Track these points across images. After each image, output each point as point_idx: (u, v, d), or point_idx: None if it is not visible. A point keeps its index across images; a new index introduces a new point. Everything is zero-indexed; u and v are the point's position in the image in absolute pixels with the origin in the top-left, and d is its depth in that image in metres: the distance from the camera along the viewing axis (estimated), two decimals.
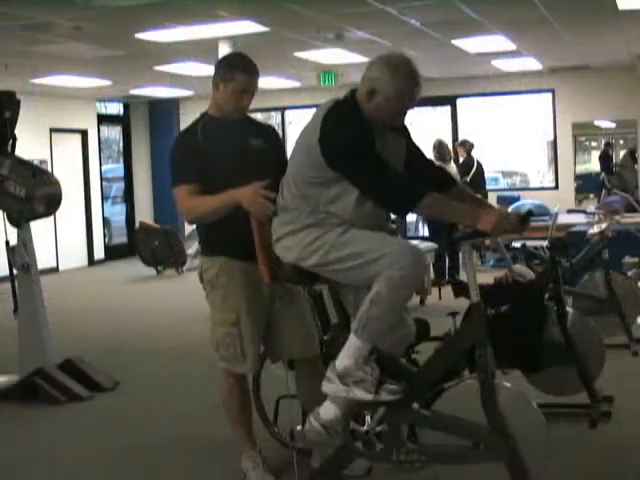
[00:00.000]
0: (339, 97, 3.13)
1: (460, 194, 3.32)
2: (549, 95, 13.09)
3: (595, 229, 6.33)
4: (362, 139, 3.00)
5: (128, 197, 15.37)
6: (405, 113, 3.15)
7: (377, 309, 3.00)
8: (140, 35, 8.18)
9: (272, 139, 3.77)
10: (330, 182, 3.04)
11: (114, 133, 15.94)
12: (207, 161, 3.47)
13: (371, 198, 3.02)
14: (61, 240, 13.04)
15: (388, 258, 2.97)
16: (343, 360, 3.08)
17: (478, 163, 11.04)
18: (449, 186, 3.32)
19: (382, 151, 3.04)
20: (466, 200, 3.22)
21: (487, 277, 4.48)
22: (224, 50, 8.72)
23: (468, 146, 11.14)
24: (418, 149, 3.37)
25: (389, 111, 3.07)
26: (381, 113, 3.07)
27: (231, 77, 3.52)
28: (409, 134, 3.33)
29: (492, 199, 11.83)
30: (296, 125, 15.18)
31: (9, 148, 5.57)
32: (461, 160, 11.20)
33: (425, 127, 14.52)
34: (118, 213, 15.54)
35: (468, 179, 10.52)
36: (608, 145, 15.17)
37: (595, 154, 15.65)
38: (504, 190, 14.49)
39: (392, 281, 2.96)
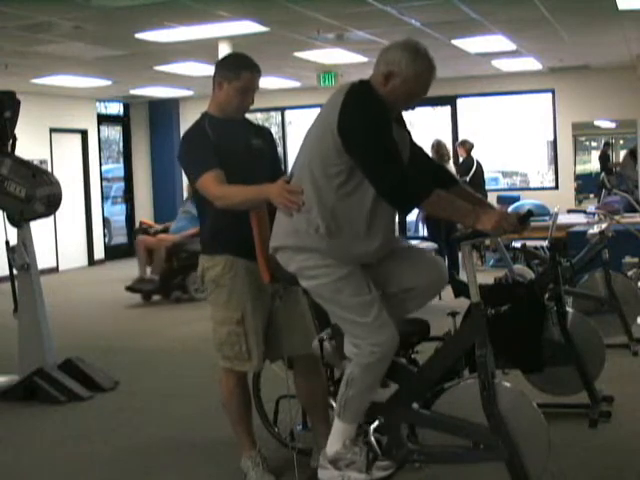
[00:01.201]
0: (354, 81, 3.11)
1: (460, 193, 3.32)
2: (549, 95, 13.09)
3: (595, 229, 6.33)
4: (381, 121, 3.00)
5: (128, 197, 15.38)
6: (418, 98, 3.14)
7: (353, 390, 3.12)
8: (140, 35, 8.18)
9: (268, 140, 3.78)
10: (348, 173, 3.01)
11: (114, 133, 15.94)
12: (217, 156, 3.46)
13: (377, 188, 2.98)
14: (61, 240, 13.04)
15: (365, 329, 3.06)
16: (332, 445, 3.18)
17: (478, 163, 11.05)
18: (449, 185, 3.33)
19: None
20: (466, 199, 3.22)
21: (487, 277, 4.47)
22: (224, 50, 8.72)
23: (468, 146, 11.15)
24: (418, 146, 3.38)
25: (405, 94, 3.07)
26: (396, 97, 3.07)
27: (236, 75, 3.52)
28: (409, 132, 3.33)
29: (492, 199, 11.83)
30: (296, 125, 15.19)
31: (9, 148, 5.56)
32: (461, 160, 11.22)
33: (425, 127, 14.53)
34: (118, 213, 15.54)
35: (467, 179, 10.53)
36: (607, 145, 15.17)
37: (595, 154, 15.65)
38: (504, 190, 14.49)
39: (362, 360, 3.07)
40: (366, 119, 2.98)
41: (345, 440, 3.17)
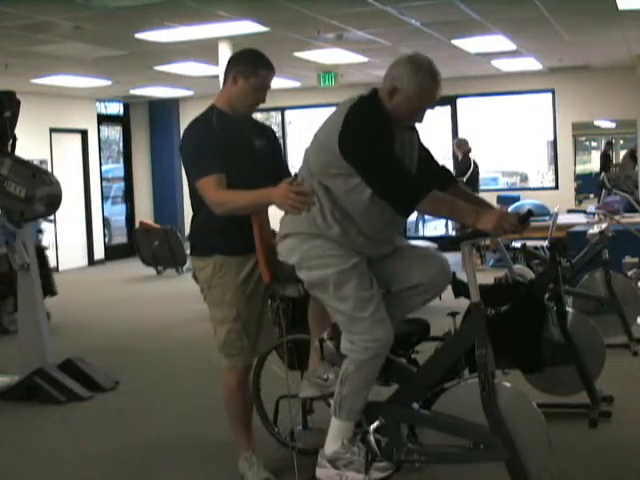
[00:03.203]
0: (364, 93, 3.16)
1: (459, 193, 3.34)
2: (549, 95, 13.10)
3: (595, 229, 6.33)
4: (378, 132, 3.03)
5: (128, 197, 15.38)
6: (424, 112, 3.18)
7: (348, 388, 3.14)
8: (140, 35, 8.18)
9: (272, 140, 3.76)
10: (349, 174, 3.05)
11: (114, 133, 15.95)
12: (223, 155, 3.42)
13: (377, 192, 3.04)
14: (61, 240, 13.04)
15: (362, 324, 3.08)
16: (330, 445, 3.20)
17: (475, 164, 11.04)
18: (449, 184, 3.35)
19: (400, 149, 3.09)
20: (466, 199, 3.23)
21: (487, 277, 4.47)
22: (224, 50, 8.72)
23: (465, 146, 11.08)
24: (424, 147, 3.41)
25: (409, 109, 3.11)
26: (401, 111, 3.10)
27: (254, 72, 3.49)
28: (418, 133, 3.36)
29: (492, 199, 11.84)
30: (296, 125, 15.19)
31: (9, 148, 5.56)
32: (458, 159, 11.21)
33: (425, 127, 14.51)
34: (118, 213, 15.55)
35: (465, 179, 10.52)
36: (609, 145, 15.17)
37: (595, 154, 15.64)
38: (504, 190, 14.49)
39: (358, 357, 3.09)
40: (363, 131, 3.02)
41: (343, 439, 3.18)
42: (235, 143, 3.49)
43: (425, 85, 3.07)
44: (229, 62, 3.60)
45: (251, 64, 3.52)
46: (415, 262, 3.27)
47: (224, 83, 3.59)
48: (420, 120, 3.22)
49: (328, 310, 3.23)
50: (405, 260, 3.27)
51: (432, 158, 3.48)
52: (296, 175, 3.23)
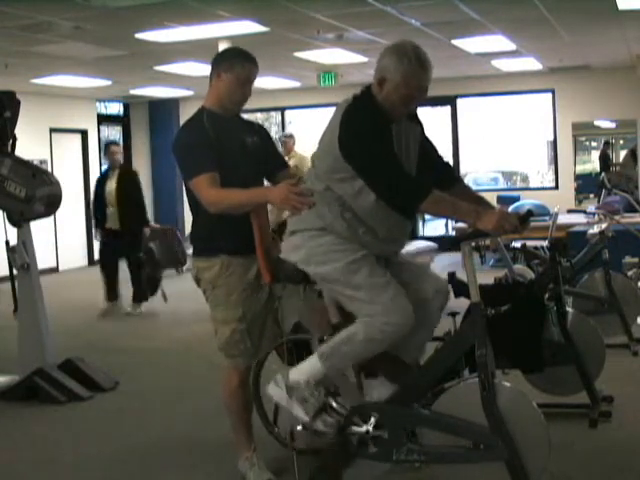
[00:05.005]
0: (357, 92, 3.16)
1: (462, 191, 3.34)
2: (549, 95, 13.10)
3: (595, 229, 6.34)
4: (375, 132, 3.02)
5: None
6: (416, 100, 3.14)
7: (347, 348, 3.11)
8: (140, 35, 8.19)
9: (264, 137, 3.75)
10: (353, 177, 3.06)
11: (114, 133, 15.94)
12: (216, 154, 3.43)
13: (378, 194, 3.04)
14: (61, 240, 13.03)
15: (380, 307, 3.04)
16: (296, 374, 3.19)
17: None
18: (453, 183, 3.35)
19: (398, 142, 3.08)
20: (467, 198, 3.23)
21: (487, 277, 4.47)
22: None
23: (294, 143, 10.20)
24: (429, 142, 3.40)
25: (399, 98, 3.08)
26: (392, 101, 3.08)
27: (239, 63, 3.51)
28: (422, 126, 3.35)
29: (492, 199, 11.83)
30: (296, 125, 15.20)
31: (9, 148, 5.56)
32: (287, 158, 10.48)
33: (425, 127, 14.51)
34: None
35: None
36: (607, 144, 15.17)
37: (595, 154, 15.65)
38: (504, 190, 14.49)
39: (371, 331, 3.05)
40: (360, 133, 3.02)
41: (310, 378, 3.16)
42: (227, 142, 3.49)
43: (410, 70, 3.04)
44: (212, 62, 3.61)
45: (234, 58, 3.55)
46: (414, 278, 3.26)
47: (210, 83, 3.59)
48: (413, 109, 3.20)
49: (342, 301, 3.18)
50: (404, 277, 3.22)
51: (437, 154, 3.46)
52: (300, 178, 3.24)
